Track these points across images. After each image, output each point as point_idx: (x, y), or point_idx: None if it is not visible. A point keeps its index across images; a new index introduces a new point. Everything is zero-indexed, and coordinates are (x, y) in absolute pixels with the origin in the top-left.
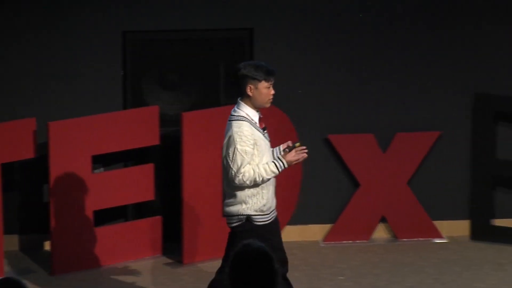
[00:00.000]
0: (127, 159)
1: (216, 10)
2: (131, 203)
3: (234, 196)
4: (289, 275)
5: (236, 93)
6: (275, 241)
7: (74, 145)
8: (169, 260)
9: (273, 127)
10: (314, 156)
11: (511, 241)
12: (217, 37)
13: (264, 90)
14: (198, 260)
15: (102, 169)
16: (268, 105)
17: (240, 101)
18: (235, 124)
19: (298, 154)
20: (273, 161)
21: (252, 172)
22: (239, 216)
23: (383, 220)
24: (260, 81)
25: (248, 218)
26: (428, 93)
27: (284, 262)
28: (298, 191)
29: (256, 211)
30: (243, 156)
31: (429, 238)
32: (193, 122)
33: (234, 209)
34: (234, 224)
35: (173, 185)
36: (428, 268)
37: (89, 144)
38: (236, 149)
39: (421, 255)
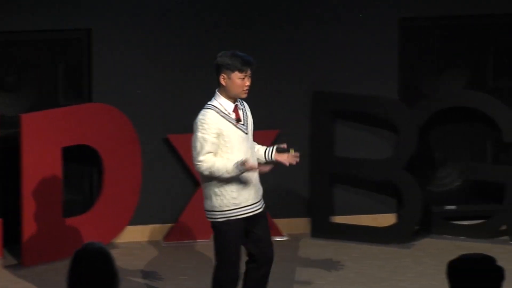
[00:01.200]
0: None
1: (53, 11)
2: None
3: (204, 188)
4: (130, 276)
5: (75, 94)
6: (259, 234)
7: None
8: (10, 263)
9: (113, 128)
10: (154, 156)
11: (350, 238)
12: (55, 38)
13: (238, 80)
14: (38, 263)
15: None
16: (243, 95)
17: (216, 91)
18: (201, 112)
19: (291, 158)
20: (235, 162)
21: (212, 163)
22: (214, 212)
23: None
24: (233, 71)
25: (223, 213)
26: (266, 92)
27: (268, 259)
28: (139, 191)
29: (228, 205)
30: (201, 143)
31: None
32: (32, 124)
33: (208, 203)
34: (210, 220)
35: (14, 187)
36: None
37: None
38: (196, 136)
39: None
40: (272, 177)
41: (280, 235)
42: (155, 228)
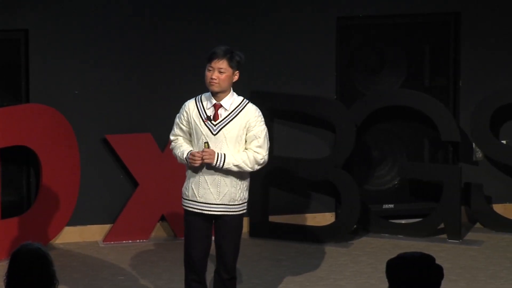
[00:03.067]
0: None
1: None
2: None
3: None
4: (68, 277)
5: (12, 94)
6: (216, 240)
7: None
8: None
9: (51, 128)
10: (91, 156)
11: (288, 237)
12: None
13: (206, 71)
14: None
15: None
16: (210, 87)
17: None
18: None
19: (199, 153)
20: (191, 149)
21: (175, 145)
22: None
23: (163, 218)
24: (206, 62)
25: (182, 199)
26: (203, 91)
27: (223, 270)
28: (77, 192)
29: (182, 193)
30: (174, 125)
31: None
32: None
33: None
34: None
35: None
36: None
37: None
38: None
39: None
40: None
41: None
42: (94, 229)
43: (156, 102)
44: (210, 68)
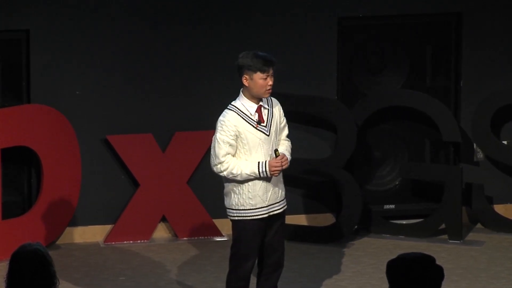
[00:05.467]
0: None
1: None
2: None
3: (225, 186)
4: (69, 277)
5: (13, 95)
6: (268, 239)
7: None
8: None
9: (52, 129)
10: (93, 157)
11: (289, 238)
12: None
13: (260, 81)
14: None
15: None
16: (266, 95)
17: (240, 91)
18: (223, 112)
19: (279, 161)
20: (259, 161)
21: (232, 164)
22: (231, 210)
23: (164, 219)
24: (255, 71)
25: (239, 211)
26: (206, 92)
27: (278, 265)
28: (78, 193)
29: (243, 205)
30: (220, 145)
31: (210, 237)
32: None
33: (227, 200)
34: (229, 217)
35: None
36: (209, 266)
37: None
38: (215, 137)
39: (202, 254)
40: (212, 177)
41: (220, 235)
42: (95, 229)
43: (157, 102)
44: (264, 77)
